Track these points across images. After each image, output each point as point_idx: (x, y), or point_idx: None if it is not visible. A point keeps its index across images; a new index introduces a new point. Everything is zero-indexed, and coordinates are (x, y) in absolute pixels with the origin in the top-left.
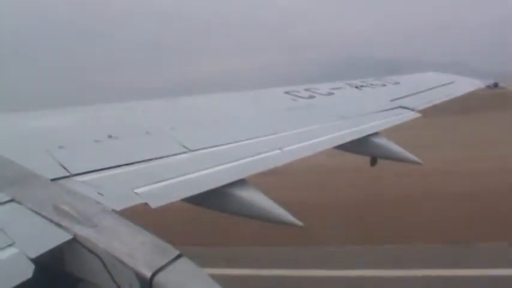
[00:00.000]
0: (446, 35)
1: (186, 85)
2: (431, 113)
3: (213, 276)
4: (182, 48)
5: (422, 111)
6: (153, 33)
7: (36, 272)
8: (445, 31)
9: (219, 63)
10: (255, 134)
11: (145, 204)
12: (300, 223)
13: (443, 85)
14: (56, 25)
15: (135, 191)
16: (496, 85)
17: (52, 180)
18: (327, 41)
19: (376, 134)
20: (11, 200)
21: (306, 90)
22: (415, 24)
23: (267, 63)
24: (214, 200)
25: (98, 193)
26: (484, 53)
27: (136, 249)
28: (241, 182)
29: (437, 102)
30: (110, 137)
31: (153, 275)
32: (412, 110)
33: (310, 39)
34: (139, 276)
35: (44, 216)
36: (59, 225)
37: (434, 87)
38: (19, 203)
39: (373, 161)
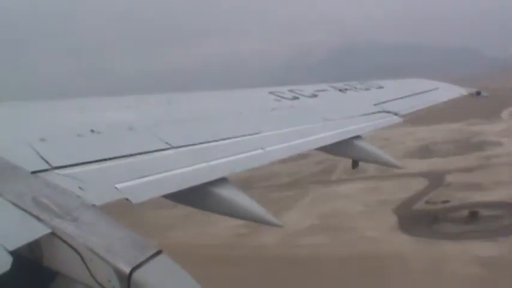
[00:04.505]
0: (457, 19)
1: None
2: None
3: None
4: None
5: (405, 116)
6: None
7: (15, 265)
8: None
9: (212, 48)
10: (238, 133)
11: (126, 199)
12: (281, 223)
13: (427, 91)
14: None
15: (117, 186)
16: (478, 93)
17: (32, 172)
18: (330, 25)
19: (358, 137)
20: None
21: (290, 91)
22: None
23: (263, 48)
24: (195, 197)
25: (79, 187)
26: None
27: (116, 245)
28: (222, 181)
29: (420, 107)
30: (92, 131)
31: (132, 271)
32: (395, 114)
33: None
34: (118, 272)
35: (23, 209)
36: (38, 218)
37: (418, 93)
38: None
39: (355, 164)
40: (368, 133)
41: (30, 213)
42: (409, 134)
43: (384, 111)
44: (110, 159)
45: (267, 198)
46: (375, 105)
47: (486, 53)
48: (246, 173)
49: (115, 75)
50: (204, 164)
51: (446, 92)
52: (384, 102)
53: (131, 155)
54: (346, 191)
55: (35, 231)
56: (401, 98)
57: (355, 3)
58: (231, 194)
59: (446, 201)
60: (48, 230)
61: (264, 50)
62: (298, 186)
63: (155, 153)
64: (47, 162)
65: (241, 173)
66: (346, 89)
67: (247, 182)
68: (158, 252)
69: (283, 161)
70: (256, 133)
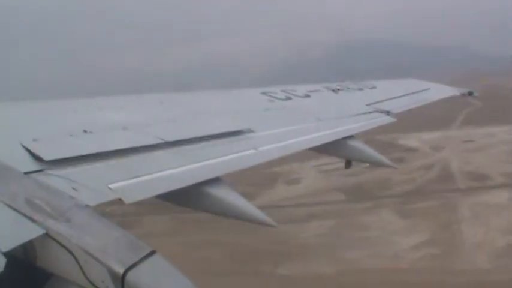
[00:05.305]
0: (456, 18)
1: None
2: None
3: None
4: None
5: (397, 116)
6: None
7: (8, 266)
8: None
9: (212, 47)
10: (231, 133)
11: (119, 200)
12: (274, 224)
13: (419, 91)
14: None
15: (110, 186)
16: (470, 93)
17: (25, 173)
18: (329, 23)
19: (351, 137)
20: None
21: (283, 91)
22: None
23: (263, 46)
24: (188, 197)
25: (72, 188)
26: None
27: (109, 245)
28: (216, 181)
29: (412, 107)
30: (85, 131)
31: (126, 271)
32: (388, 114)
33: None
34: (112, 273)
35: (16, 210)
36: (31, 219)
37: (410, 93)
38: None
39: (348, 164)
40: (437, 135)
41: (24, 214)
42: (489, 135)
43: (377, 111)
44: (103, 159)
45: (410, 209)
46: (367, 105)
47: (486, 52)
48: (354, 180)
49: (114, 75)
50: (197, 164)
51: (438, 92)
52: (376, 102)
53: (124, 155)
54: (497, 201)
55: (29, 232)
56: (394, 98)
57: (355, 2)
58: (224, 194)
59: None
60: (41, 231)
61: (264, 49)
62: (431, 195)
63: (149, 153)
64: (39, 162)
65: (349, 181)
66: (339, 89)
67: (362, 190)
68: (152, 253)
69: (373, 168)
70: (249, 133)
